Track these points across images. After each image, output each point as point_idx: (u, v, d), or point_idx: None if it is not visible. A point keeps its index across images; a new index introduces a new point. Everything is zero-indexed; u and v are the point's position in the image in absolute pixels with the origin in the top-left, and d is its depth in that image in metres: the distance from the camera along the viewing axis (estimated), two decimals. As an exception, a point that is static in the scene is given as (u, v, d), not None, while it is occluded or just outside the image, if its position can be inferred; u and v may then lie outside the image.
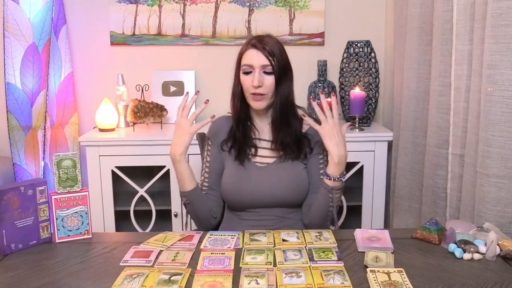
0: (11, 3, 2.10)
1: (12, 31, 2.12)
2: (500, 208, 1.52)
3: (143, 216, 2.36)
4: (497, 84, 1.49)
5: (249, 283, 1.06)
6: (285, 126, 1.51)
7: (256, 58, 1.44)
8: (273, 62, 1.44)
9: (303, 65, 2.45)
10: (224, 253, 1.23)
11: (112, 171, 2.24)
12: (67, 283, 1.10)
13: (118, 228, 2.32)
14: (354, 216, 2.40)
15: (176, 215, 2.28)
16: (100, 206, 2.26)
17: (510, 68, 1.46)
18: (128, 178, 2.27)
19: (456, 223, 1.38)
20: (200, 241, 1.31)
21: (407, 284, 1.06)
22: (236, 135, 1.53)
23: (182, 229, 2.23)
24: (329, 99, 1.45)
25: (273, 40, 1.48)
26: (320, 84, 2.41)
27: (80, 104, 2.57)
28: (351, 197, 2.37)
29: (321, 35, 2.54)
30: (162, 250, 1.25)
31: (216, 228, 1.60)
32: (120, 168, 2.25)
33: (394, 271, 1.11)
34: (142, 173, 2.37)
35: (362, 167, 2.29)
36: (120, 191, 2.36)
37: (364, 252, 1.22)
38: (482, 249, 1.22)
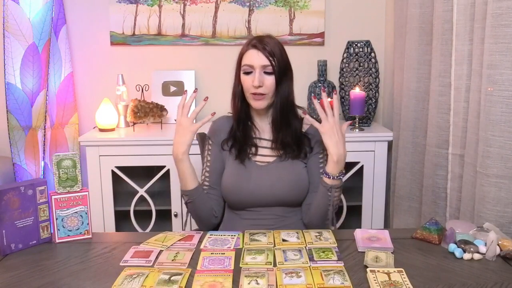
0: (11, 3, 2.10)
1: (12, 31, 2.12)
2: (500, 208, 1.52)
3: (143, 216, 2.36)
4: (497, 84, 1.49)
5: (249, 283, 1.06)
6: (285, 126, 1.51)
7: (256, 58, 1.45)
8: (273, 62, 1.45)
9: (303, 65, 2.45)
10: (224, 253, 1.23)
11: (112, 171, 2.24)
12: (67, 283, 1.11)
13: (118, 228, 2.32)
14: (354, 216, 2.40)
15: (176, 215, 2.28)
16: (100, 206, 2.26)
17: (510, 68, 1.46)
18: (128, 178, 2.27)
19: (456, 223, 1.38)
20: (200, 241, 1.31)
21: (407, 284, 1.06)
22: (237, 134, 1.54)
23: (182, 229, 2.23)
24: (329, 99, 1.46)
25: (273, 40, 1.49)
26: (320, 84, 2.41)
27: (80, 104, 2.57)
28: (351, 197, 2.37)
29: (321, 35, 2.54)
30: (162, 250, 1.25)
31: (216, 227, 1.60)
32: (120, 168, 2.25)
33: (394, 271, 1.11)
34: (142, 173, 2.37)
35: (362, 167, 2.29)
36: (120, 191, 2.36)
37: (364, 252, 1.22)
38: (482, 249, 1.22)
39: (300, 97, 2.32)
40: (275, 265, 1.17)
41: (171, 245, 1.29)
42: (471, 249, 1.21)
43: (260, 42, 1.46)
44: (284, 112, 1.50)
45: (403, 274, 1.10)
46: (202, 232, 1.38)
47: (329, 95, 2.36)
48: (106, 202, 2.26)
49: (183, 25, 2.52)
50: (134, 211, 2.33)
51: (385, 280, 1.07)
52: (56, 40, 2.39)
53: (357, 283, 1.08)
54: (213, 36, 2.53)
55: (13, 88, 2.15)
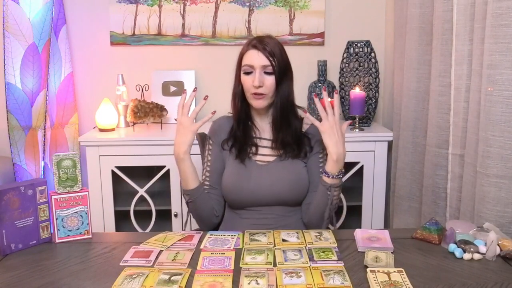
0: (11, 3, 2.10)
1: (12, 31, 2.12)
2: (500, 208, 1.52)
3: (143, 216, 2.36)
4: (497, 84, 1.49)
5: (249, 283, 1.06)
6: (285, 126, 1.52)
7: (256, 58, 1.45)
8: (273, 63, 1.45)
9: (303, 65, 2.45)
10: (224, 253, 1.23)
11: (112, 171, 2.24)
12: (67, 283, 1.11)
13: (118, 228, 2.32)
14: (354, 216, 2.40)
15: (176, 215, 2.28)
16: (100, 206, 2.26)
17: (510, 68, 1.46)
18: (128, 178, 2.27)
19: (456, 223, 1.38)
20: (200, 241, 1.31)
21: (407, 284, 1.06)
22: (237, 134, 1.54)
23: (182, 229, 2.23)
24: (330, 99, 1.46)
25: (273, 40, 1.49)
26: (320, 84, 2.41)
27: (80, 104, 2.57)
28: (351, 197, 2.37)
29: (321, 35, 2.54)
30: (162, 250, 1.26)
31: (217, 226, 1.60)
32: (120, 168, 2.25)
33: (394, 271, 1.11)
34: (142, 173, 2.37)
35: (362, 167, 2.29)
36: (120, 191, 2.36)
37: (364, 252, 1.22)
38: (482, 249, 1.22)
39: (300, 97, 2.32)
40: (275, 265, 1.17)
41: (171, 245, 1.29)
42: (471, 249, 1.21)
43: (260, 42, 1.46)
44: (284, 112, 1.51)
45: (403, 274, 1.10)
46: (202, 232, 1.38)
47: (331, 95, 2.36)
48: (106, 202, 2.26)
49: (183, 25, 2.52)
50: (134, 211, 2.33)
51: (385, 280, 1.07)
52: (56, 40, 2.39)
53: (357, 283, 1.08)
54: (213, 36, 2.53)
55: (13, 88, 2.15)
